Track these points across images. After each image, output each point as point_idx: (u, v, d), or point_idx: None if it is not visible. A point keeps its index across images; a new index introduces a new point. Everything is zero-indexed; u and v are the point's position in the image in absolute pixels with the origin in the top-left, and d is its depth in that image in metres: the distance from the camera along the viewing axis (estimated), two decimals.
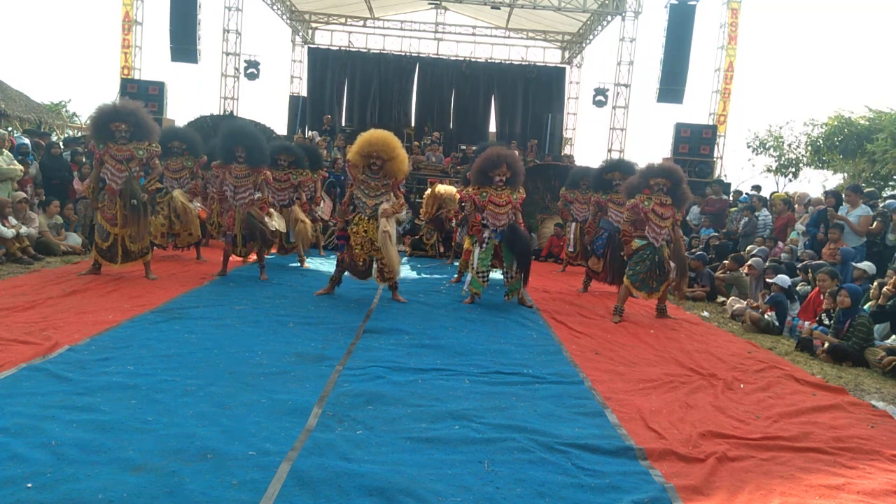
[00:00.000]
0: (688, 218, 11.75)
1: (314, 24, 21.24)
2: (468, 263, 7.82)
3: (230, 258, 7.57)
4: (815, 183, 26.26)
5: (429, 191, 10.59)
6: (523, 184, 7.15)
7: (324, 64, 19.93)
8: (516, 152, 7.80)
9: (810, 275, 7.38)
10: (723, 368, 4.95)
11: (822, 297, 6.46)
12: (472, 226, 7.01)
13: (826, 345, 5.72)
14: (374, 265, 6.53)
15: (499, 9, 17.44)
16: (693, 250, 9.71)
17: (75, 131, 17.79)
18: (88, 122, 9.27)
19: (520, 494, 2.71)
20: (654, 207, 6.60)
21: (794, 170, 21.67)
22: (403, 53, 20.67)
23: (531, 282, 7.45)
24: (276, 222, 7.66)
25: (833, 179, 21.30)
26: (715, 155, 15.55)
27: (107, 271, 6.92)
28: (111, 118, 6.65)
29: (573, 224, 9.53)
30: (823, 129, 19.57)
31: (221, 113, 15.74)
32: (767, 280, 7.22)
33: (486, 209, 6.79)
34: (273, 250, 8.86)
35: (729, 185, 14.36)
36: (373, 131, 6.49)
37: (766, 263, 8.01)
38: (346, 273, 6.74)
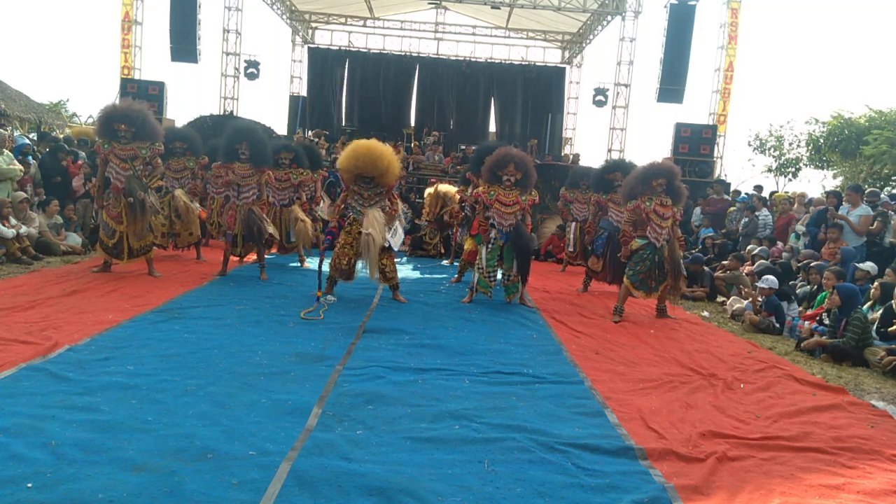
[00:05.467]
0: (692, 220, 11.74)
1: (314, 24, 21.25)
2: (468, 263, 7.83)
3: (230, 258, 7.57)
4: (815, 183, 26.30)
5: (430, 190, 10.58)
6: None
7: (324, 64, 19.92)
8: (528, 154, 7.70)
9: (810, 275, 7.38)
10: (723, 368, 4.95)
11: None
12: (479, 225, 6.99)
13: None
14: (361, 265, 6.51)
15: (499, 9, 17.44)
16: (690, 251, 9.65)
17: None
18: (95, 121, 9.30)
19: (520, 494, 2.71)
20: (656, 208, 6.61)
21: (793, 170, 21.69)
22: (403, 53, 20.67)
23: (531, 282, 7.44)
24: (270, 228, 7.65)
25: (833, 181, 21.34)
26: (715, 155, 15.55)
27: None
28: (113, 118, 6.83)
29: (573, 224, 9.53)
30: (825, 127, 19.59)
31: (221, 113, 15.75)
32: (756, 284, 7.21)
33: (493, 208, 6.78)
34: (273, 250, 8.86)
35: (729, 184, 14.37)
36: (357, 145, 6.40)
37: (756, 266, 8.02)
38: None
